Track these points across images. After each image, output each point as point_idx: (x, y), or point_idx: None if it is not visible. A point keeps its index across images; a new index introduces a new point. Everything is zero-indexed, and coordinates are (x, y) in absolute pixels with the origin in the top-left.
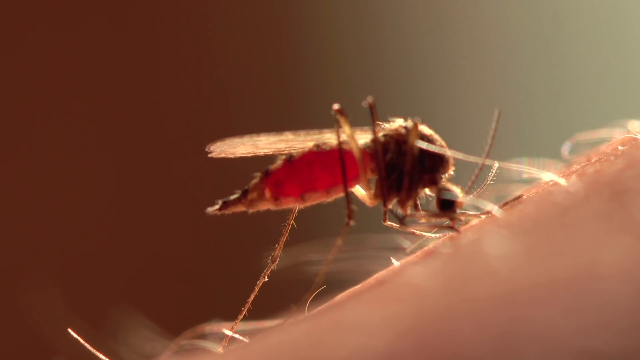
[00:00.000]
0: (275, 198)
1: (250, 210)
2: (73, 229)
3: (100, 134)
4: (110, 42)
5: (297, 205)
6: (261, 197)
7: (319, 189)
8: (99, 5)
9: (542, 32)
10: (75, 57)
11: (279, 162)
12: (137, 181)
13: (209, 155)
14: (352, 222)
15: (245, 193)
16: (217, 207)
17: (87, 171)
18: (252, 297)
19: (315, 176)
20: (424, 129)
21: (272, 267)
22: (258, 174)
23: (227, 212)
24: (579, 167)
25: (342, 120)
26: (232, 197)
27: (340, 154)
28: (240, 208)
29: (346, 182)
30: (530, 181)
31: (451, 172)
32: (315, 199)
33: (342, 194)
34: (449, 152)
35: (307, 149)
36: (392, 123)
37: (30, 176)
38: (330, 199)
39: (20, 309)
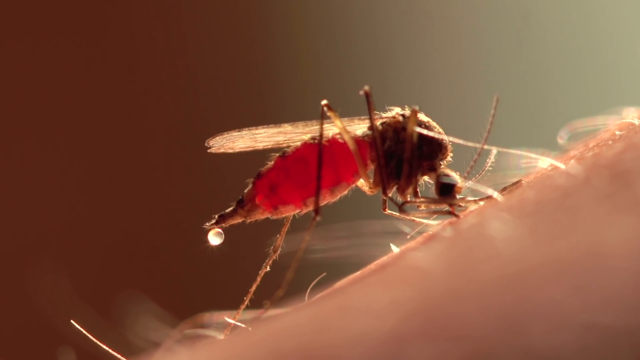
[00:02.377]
0: (274, 206)
1: (249, 221)
2: (80, 217)
3: (109, 128)
4: (96, 46)
5: (299, 211)
6: (257, 206)
7: (321, 188)
8: (82, 7)
9: (537, 27)
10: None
11: (270, 163)
12: (143, 170)
13: (209, 151)
14: (318, 218)
15: (240, 203)
16: (213, 222)
17: (95, 162)
18: (254, 286)
19: (314, 173)
20: (422, 116)
21: (274, 257)
22: (252, 180)
23: (224, 225)
24: (577, 152)
25: (332, 115)
26: (228, 210)
27: (320, 149)
28: (237, 220)
29: (320, 178)
30: (527, 170)
31: (449, 158)
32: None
33: (346, 192)
34: (447, 138)
35: (300, 143)
36: (389, 111)
37: (39, 165)
38: (335, 199)
39: (29, 295)
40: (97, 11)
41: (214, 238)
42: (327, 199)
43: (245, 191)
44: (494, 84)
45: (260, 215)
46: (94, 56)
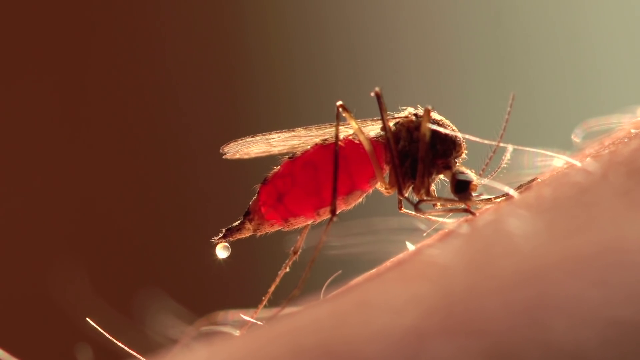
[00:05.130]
0: (284, 218)
1: (259, 234)
2: (100, 217)
3: (126, 132)
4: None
5: (312, 221)
6: (264, 218)
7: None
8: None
9: (552, 25)
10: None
11: (277, 167)
12: (163, 172)
13: (224, 157)
14: (335, 219)
15: (247, 215)
16: (220, 235)
17: (115, 166)
18: (273, 286)
19: (326, 178)
20: (435, 115)
21: (294, 258)
22: (258, 186)
23: (232, 239)
24: (592, 150)
25: (348, 116)
26: (235, 224)
27: (336, 150)
28: (246, 234)
29: (336, 178)
30: (542, 168)
31: (464, 155)
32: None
33: (360, 200)
34: (460, 136)
35: (309, 146)
36: (401, 111)
37: (60, 167)
38: (349, 207)
39: (49, 293)
40: (87, 16)
41: (221, 252)
42: (341, 208)
43: (251, 202)
44: (509, 83)
45: (270, 228)
46: (103, 63)
